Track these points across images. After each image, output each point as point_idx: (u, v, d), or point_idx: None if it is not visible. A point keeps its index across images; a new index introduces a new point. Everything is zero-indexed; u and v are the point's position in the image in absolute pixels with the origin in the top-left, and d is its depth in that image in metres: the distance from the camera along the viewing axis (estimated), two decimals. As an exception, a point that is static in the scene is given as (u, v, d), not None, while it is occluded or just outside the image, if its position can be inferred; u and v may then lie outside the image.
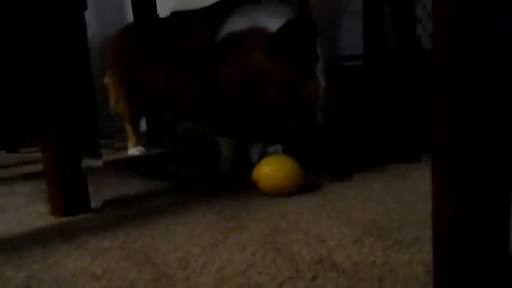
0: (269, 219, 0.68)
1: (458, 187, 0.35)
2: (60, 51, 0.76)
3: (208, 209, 0.75)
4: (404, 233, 0.59)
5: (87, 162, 0.82)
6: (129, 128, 1.48)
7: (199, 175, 1.06)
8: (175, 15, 1.24)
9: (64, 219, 0.75)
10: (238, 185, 0.92)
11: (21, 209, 0.82)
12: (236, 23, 0.94)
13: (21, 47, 0.77)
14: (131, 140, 1.48)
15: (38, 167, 1.22)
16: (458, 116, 0.34)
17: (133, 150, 1.47)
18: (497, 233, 0.35)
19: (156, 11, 1.60)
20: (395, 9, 1.34)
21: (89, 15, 1.50)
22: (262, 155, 0.90)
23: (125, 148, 1.49)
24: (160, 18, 1.39)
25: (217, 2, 1.09)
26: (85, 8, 1.40)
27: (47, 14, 0.74)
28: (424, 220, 0.63)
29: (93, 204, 0.80)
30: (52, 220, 0.74)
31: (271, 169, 0.82)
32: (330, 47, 2.00)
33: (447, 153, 0.36)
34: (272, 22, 0.88)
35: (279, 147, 0.93)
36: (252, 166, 0.85)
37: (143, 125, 1.61)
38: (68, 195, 0.77)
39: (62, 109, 0.76)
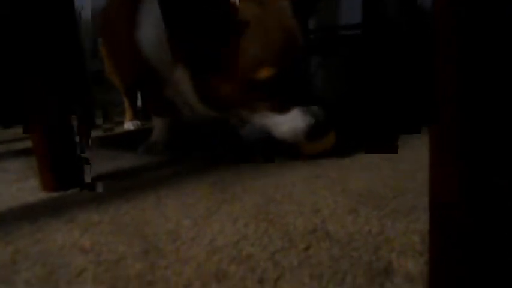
0: (263, 191, 0.66)
1: (456, 151, 0.33)
2: (47, 26, 0.72)
3: (201, 181, 0.73)
4: (401, 201, 0.58)
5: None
6: (125, 101, 1.46)
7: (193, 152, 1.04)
8: None
9: (55, 194, 0.73)
10: (233, 158, 0.90)
11: (12, 185, 0.81)
12: None
13: (10, 22, 0.74)
14: (127, 114, 1.46)
15: (29, 143, 1.20)
16: (459, 80, 0.32)
17: (129, 125, 1.45)
18: (497, 198, 0.33)
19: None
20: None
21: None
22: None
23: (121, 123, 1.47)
24: None
25: None
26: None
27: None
28: (420, 188, 0.62)
29: (87, 179, 0.79)
30: (43, 196, 0.73)
31: None
32: (327, 16, 1.95)
33: (446, 117, 0.34)
34: None
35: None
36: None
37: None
38: (59, 170, 0.75)
39: (49, 83, 0.73)
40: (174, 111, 1.03)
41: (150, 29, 0.86)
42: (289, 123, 0.79)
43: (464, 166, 0.33)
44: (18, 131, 1.52)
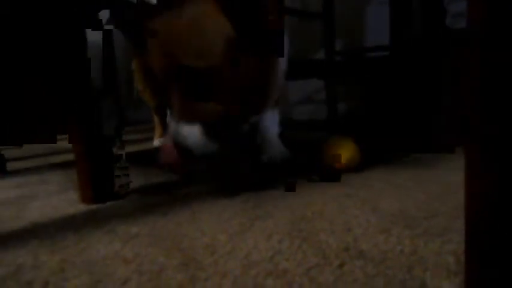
0: (294, 208, 0.68)
1: (493, 172, 0.34)
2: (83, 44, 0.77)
3: (233, 198, 0.75)
4: (432, 222, 0.58)
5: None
6: (155, 119, 1.51)
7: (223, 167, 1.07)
8: None
9: (93, 206, 0.77)
10: (262, 176, 0.92)
11: (53, 197, 0.85)
12: None
13: (53, 37, 0.79)
14: (157, 131, 1.51)
15: (67, 157, 1.26)
16: (492, 101, 0.33)
17: (157, 142, 1.49)
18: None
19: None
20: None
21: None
22: None
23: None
24: None
25: None
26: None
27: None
28: (453, 210, 0.62)
29: (122, 192, 0.82)
30: (82, 207, 0.76)
31: (350, 144, 0.90)
32: (353, 37, 1.97)
33: (482, 140, 0.35)
34: None
35: None
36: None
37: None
38: (97, 183, 0.79)
39: (88, 98, 0.78)
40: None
41: None
42: None
43: (502, 186, 0.34)
44: (52, 145, 1.59)
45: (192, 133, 0.80)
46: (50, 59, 0.77)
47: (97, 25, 0.87)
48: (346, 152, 0.88)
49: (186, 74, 0.74)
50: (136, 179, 0.94)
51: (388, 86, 1.46)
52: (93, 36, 1.09)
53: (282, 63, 0.93)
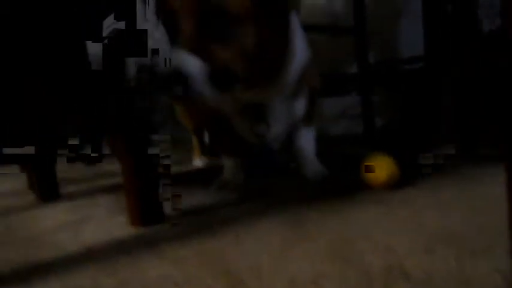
0: (334, 228, 0.69)
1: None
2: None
3: (274, 219, 0.77)
4: (478, 240, 0.58)
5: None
6: (194, 139, 1.56)
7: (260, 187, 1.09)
8: None
9: (142, 229, 0.81)
10: (299, 196, 0.94)
11: (104, 220, 0.90)
12: None
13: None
14: (196, 151, 1.56)
15: (116, 180, 1.33)
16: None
17: (197, 162, 1.54)
18: None
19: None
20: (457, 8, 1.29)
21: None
22: None
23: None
24: None
25: None
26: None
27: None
28: (498, 226, 0.61)
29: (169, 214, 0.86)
30: (131, 230, 0.81)
31: (388, 161, 0.89)
32: (387, 49, 1.96)
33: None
34: None
35: None
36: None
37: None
38: (145, 206, 0.83)
39: (138, 121, 0.82)
40: (242, 150, 1.10)
41: None
42: None
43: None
44: (100, 168, 1.68)
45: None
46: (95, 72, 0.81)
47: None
48: (384, 170, 0.88)
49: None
50: (183, 200, 0.98)
51: (423, 98, 1.44)
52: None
53: (300, 52, 0.94)
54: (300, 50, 0.93)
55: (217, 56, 0.75)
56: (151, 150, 0.84)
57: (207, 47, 0.75)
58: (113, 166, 1.51)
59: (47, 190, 1.18)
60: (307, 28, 1.07)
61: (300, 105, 1.05)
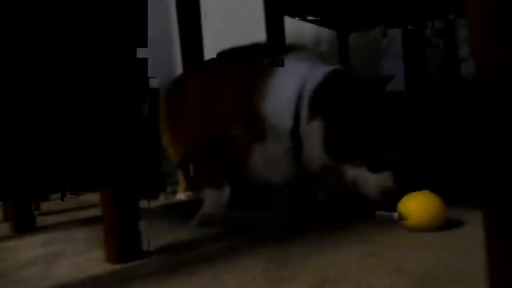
0: (318, 269, 0.67)
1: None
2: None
3: (256, 257, 0.75)
4: (460, 285, 0.57)
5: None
6: (180, 172, 1.54)
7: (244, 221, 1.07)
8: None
9: (118, 266, 0.78)
10: (284, 232, 0.92)
11: (79, 255, 0.86)
12: None
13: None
14: (182, 185, 1.54)
15: (94, 212, 1.29)
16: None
17: (181, 195, 1.52)
18: None
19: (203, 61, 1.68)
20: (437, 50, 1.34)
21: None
22: None
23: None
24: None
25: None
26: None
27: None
28: (479, 269, 0.60)
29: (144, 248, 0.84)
30: (107, 267, 0.78)
31: (424, 204, 0.82)
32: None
33: (497, 201, 0.35)
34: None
35: None
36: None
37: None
38: (123, 241, 0.80)
39: (126, 156, 0.81)
40: (232, 182, 1.08)
41: None
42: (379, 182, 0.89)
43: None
44: (81, 198, 1.64)
45: None
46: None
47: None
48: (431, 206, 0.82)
49: None
50: (162, 236, 0.95)
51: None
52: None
53: None
54: None
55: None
56: (133, 182, 0.82)
57: None
58: (93, 196, 1.47)
59: (22, 222, 1.14)
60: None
61: None
